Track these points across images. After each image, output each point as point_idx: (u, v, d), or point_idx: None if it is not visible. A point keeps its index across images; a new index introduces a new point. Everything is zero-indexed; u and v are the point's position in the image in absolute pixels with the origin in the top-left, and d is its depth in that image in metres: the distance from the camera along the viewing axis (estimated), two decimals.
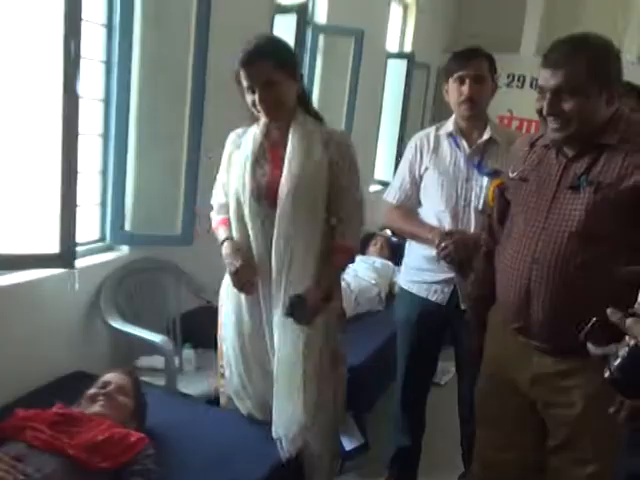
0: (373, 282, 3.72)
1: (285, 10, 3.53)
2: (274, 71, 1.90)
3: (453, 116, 2.37)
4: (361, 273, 3.84)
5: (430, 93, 6.25)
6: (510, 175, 1.87)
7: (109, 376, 2.04)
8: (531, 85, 6.58)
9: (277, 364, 2.04)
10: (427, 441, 2.65)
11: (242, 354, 2.11)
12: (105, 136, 2.59)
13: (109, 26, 2.50)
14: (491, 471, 1.96)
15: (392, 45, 5.40)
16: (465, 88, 2.23)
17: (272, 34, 2.05)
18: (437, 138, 2.36)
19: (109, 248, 2.67)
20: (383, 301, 3.76)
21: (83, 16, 2.13)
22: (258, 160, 2.00)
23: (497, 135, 2.29)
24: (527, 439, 1.84)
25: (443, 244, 2.18)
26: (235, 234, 2.03)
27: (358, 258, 4.12)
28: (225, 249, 2.03)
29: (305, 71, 4.01)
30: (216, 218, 2.14)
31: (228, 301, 2.12)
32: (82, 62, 2.16)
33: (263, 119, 1.99)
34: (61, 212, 2.18)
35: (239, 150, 2.04)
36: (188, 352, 2.67)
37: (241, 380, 2.15)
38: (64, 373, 2.36)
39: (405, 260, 2.52)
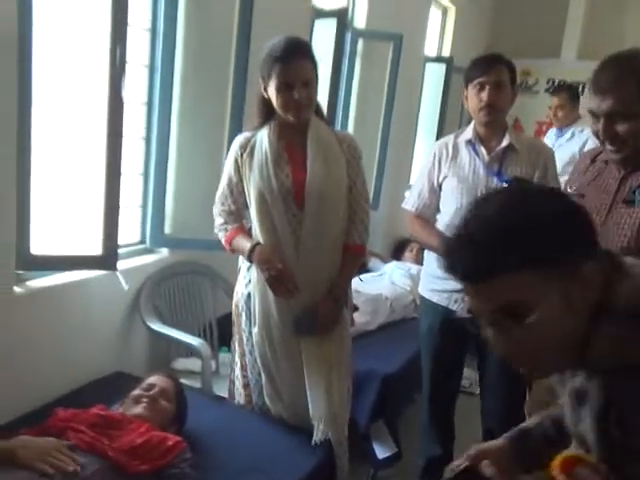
0: (408, 289, 3.70)
1: (325, 15, 3.54)
2: (311, 71, 1.95)
3: (472, 123, 2.36)
4: (396, 280, 3.83)
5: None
6: (568, 190, 1.85)
7: (154, 379, 2.06)
8: None
9: (307, 360, 2.08)
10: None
11: (274, 359, 2.12)
12: (147, 139, 2.62)
13: (153, 31, 2.53)
14: None
15: (430, 49, 5.37)
16: (484, 94, 2.22)
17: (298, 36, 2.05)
18: (456, 146, 2.35)
19: (149, 251, 2.70)
20: (418, 308, 3.73)
21: (128, 22, 2.17)
22: (277, 161, 2.01)
23: (516, 142, 2.27)
24: None
25: None
26: (261, 235, 2.02)
27: (393, 264, 4.12)
28: (259, 255, 2.00)
29: (343, 75, 4.01)
30: (227, 228, 2.11)
31: (252, 310, 2.12)
32: (126, 67, 2.20)
33: (275, 122, 2.01)
34: (104, 216, 2.21)
35: (252, 153, 2.03)
36: (224, 355, 2.69)
37: (273, 385, 2.16)
38: (104, 373, 2.40)
39: (425, 268, 2.51)
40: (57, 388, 2.22)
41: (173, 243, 2.70)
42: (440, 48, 5.54)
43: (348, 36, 3.92)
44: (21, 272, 2.11)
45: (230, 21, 2.63)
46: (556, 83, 6.44)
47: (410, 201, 2.45)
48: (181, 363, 2.61)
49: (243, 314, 2.17)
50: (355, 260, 2.15)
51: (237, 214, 2.14)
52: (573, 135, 4.40)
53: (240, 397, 2.26)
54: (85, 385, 2.32)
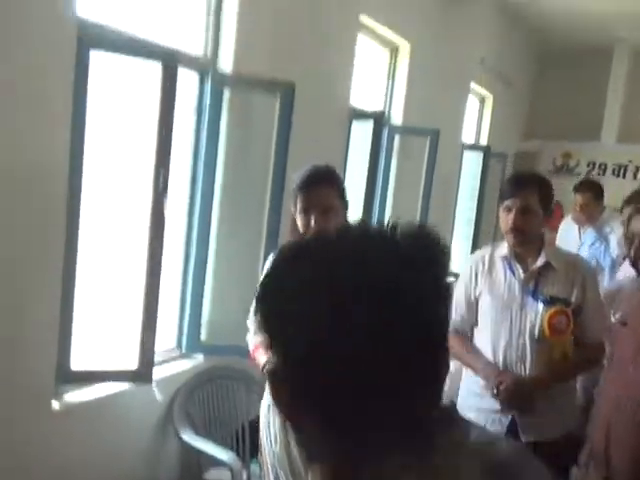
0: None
1: (363, 116, 3.64)
2: (332, 197, 1.98)
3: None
4: None
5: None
6: (612, 318, 1.83)
7: None
8: (613, 173, 6.44)
9: None
10: None
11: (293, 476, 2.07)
12: (186, 248, 2.69)
13: (196, 145, 2.63)
14: None
15: (468, 137, 5.43)
16: (510, 218, 2.19)
17: (328, 164, 2.09)
18: (491, 261, 2.31)
19: (184, 356, 2.73)
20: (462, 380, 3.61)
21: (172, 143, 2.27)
22: None
23: (554, 259, 2.21)
24: None
25: (496, 389, 2.14)
26: None
27: None
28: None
29: (380, 169, 4.09)
30: (253, 341, 2.15)
31: (270, 424, 2.09)
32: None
33: None
34: (141, 331, 2.26)
35: None
36: (255, 467, 2.65)
37: None
38: None
39: (462, 384, 2.44)
40: None
41: (209, 349, 2.72)
42: (478, 136, 5.61)
43: (385, 132, 4.01)
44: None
45: (270, 130, 2.72)
46: (597, 166, 6.42)
47: None
48: (213, 474, 2.59)
49: (264, 429, 2.15)
50: None
51: None
52: (597, 239, 4.24)
53: None
54: None
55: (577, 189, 4.44)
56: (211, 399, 2.74)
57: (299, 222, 2.02)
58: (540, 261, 2.22)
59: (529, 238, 2.24)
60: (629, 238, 1.66)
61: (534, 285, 2.22)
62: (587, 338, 2.19)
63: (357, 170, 3.69)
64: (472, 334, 2.39)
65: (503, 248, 2.32)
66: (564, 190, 6.46)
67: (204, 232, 2.64)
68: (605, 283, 3.60)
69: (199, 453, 2.57)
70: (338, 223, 2.05)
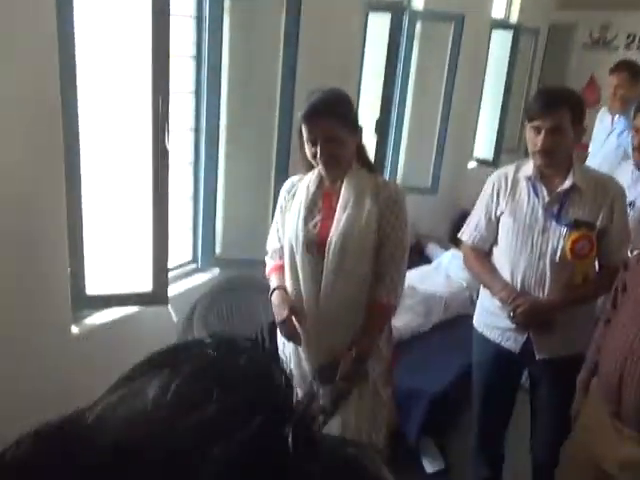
0: (465, 284, 3.64)
1: (379, 7, 3.39)
2: (338, 128, 1.90)
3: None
4: (453, 273, 3.77)
5: (538, 60, 5.85)
6: (629, 254, 1.77)
7: None
8: None
9: None
10: (510, 470, 2.64)
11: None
12: (196, 164, 2.64)
13: (198, 57, 2.50)
14: None
15: (497, 12, 5.06)
16: (539, 139, 2.06)
17: (336, 88, 1.96)
18: (515, 181, 2.21)
19: (200, 270, 2.77)
20: (475, 303, 3.68)
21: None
22: (311, 209, 2.01)
23: (582, 181, 2.11)
24: None
25: (513, 312, 2.13)
26: (288, 280, 2.05)
27: (450, 253, 4.04)
28: (274, 299, 2.07)
29: (401, 58, 3.87)
30: (270, 263, 2.17)
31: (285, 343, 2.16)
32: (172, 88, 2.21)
33: (317, 169, 1.99)
34: (153, 254, 2.28)
35: (294, 198, 2.05)
36: None
37: None
38: None
39: (479, 301, 2.44)
40: None
41: (223, 263, 2.75)
42: (508, 12, 5.21)
43: (405, 19, 3.75)
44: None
45: (277, 31, 2.57)
46: (637, 39, 5.97)
47: (467, 232, 2.37)
48: None
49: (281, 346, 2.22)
50: (379, 319, 2.05)
51: (280, 251, 2.16)
52: (627, 127, 3.81)
53: None
54: None
55: (612, 70, 4.15)
56: (229, 310, 2.82)
57: (307, 151, 1.96)
58: (567, 183, 2.11)
59: (558, 159, 2.13)
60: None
61: (558, 208, 2.13)
62: (610, 261, 2.14)
63: (375, 66, 3.50)
64: (491, 252, 2.36)
65: (528, 167, 2.20)
66: (600, 65, 6.13)
67: (212, 147, 2.57)
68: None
69: None
70: (347, 152, 1.97)
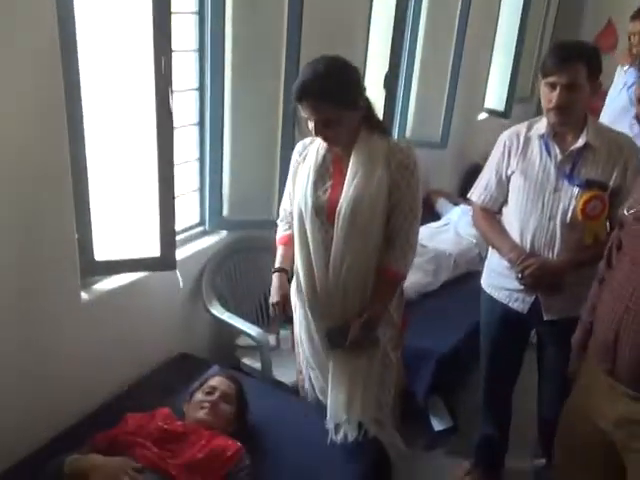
0: (474, 241, 3.61)
1: None
2: (330, 110, 1.83)
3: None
4: (462, 229, 3.74)
5: (553, 3, 5.65)
6: (624, 212, 1.73)
7: (215, 381, 2.18)
8: None
9: (335, 360, 2.10)
10: (516, 428, 2.68)
11: (315, 356, 2.17)
12: (201, 124, 2.60)
13: (201, 15, 2.42)
14: None
15: None
16: (554, 95, 2.00)
17: (332, 58, 1.86)
18: (527, 139, 2.17)
19: (208, 232, 2.75)
20: (484, 260, 3.66)
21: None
22: (322, 174, 1.98)
23: (596, 140, 2.06)
24: (606, 472, 1.81)
25: (521, 274, 2.13)
26: (297, 246, 2.04)
27: (460, 209, 4.00)
28: (274, 280, 2.13)
29: (411, 9, 3.74)
30: (280, 231, 2.19)
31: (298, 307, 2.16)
32: (175, 53, 2.14)
33: None
34: (160, 218, 2.26)
35: (305, 161, 2.02)
36: (285, 332, 2.78)
37: (318, 381, 2.24)
38: (170, 356, 2.56)
39: (487, 262, 2.43)
40: (128, 376, 2.40)
41: (231, 225, 2.74)
42: None
43: None
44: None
45: None
46: None
47: (476, 192, 2.34)
48: (244, 340, 2.73)
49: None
50: (388, 286, 2.05)
51: (291, 216, 2.14)
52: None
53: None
54: (153, 370, 2.49)
55: (634, 16, 3.94)
56: (238, 271, 2.82)
57: (309, 125, 1.90)
58: (580, 142, 2.07)
59: (573, 117, 2.07)
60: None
61: (571, 167, 2.09)
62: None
63: (384, 19, 3.39)
64: (500, 212, 2.32)
65: (541, 125, 2.15)
66: (619, 5, 5.90)
67: (218, 108, 2.52)
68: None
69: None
70: (345, 129, 1.90)
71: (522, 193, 2.17)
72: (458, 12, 3.99)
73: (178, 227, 2.46)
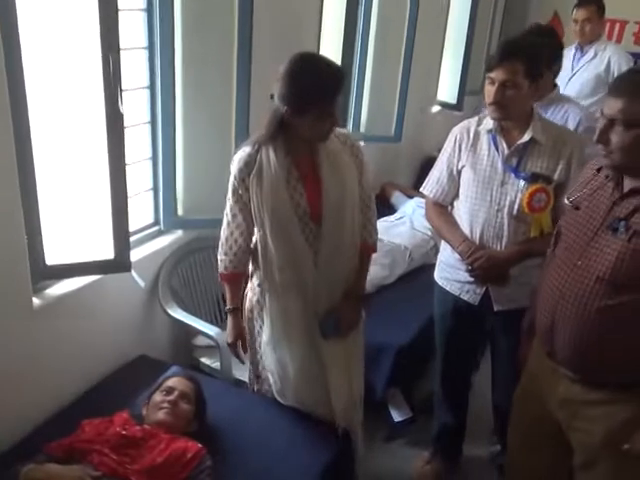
0: (429, 234, 3.66)
1: None
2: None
3: None
4: (417, 223, 3.78)
5: (500, 3, 5.77)
6: (566, 200, 1.79)
7: (173, 381, 2.16)
8: None
9: (330, 353, 2.14)
10: (473, 417, 2.74)
11: (291, 359, 2.18)
12: (153, 123, 2.56)
13: (149, 12, 2.38)
14: (520, 474, 2.07)
15: None
16: (492, 90, 2.07)
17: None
18: (476, 134, 2.24)
19: (164, 233, 2.72)
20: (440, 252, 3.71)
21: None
22: (288, 179, 1.97)
23: (541, 135, 2.13)
24: (556, 452, 1.89)
25: (470, 266, 2.19)
26: (277, 251, 2.01)
27: (414, 201, 4.05)
28: (229, 320, 2.21)
29: (361, 6, 3.76)
30: (227, 265, 2.12)
31: (268, 313, 2.15)
32: (124, 51, 2.12)
33: (281, 137, 1.94)
34: (113, 220, 2.22)
35: (260, 172, 1.96)
36: None
37: (283, 385, 2.25)
38: (128, 359, 2.52)
39: (439, 256, 2.50)
40: (85, 381, 2.35)
41: (187, 224, 2.71)
42: None
43: None
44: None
45: None
46: None
47: (428, 186, 2.38)
48: (202, 339, 2.71)
49: (255, 320, 2.22)
50: (368, 259, 2.20)
51: (246, 253, 2.11)
52: (596, 54, 4.10)
53: (253, 385, 2.40)
54: (112, 373, 2.46)
55: (579, 4, 4.15)
56: (194, 271, 2.80)
57: (311, 127, 1.90)
58: (525, 137, 2.13)
59: (512, 113, 2.12)
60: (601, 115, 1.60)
61: (517, 161, 2.15)
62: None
63: (336, 17, 3.40)
64: (452, 205, 2.37)
65: (489, 121, 2.21)
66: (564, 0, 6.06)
67: (169, 106, 2.48)
68: None
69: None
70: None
71: (471, 187, 2.22)
72: (408, 7, 4.02)
73: (132, 228, 2.43)
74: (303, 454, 2.14)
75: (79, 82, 2.03)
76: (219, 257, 2.14)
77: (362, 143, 3.42)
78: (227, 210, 2.08)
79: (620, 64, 4.04)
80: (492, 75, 2.07)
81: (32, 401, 2.15)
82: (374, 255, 2.89)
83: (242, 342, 2.23)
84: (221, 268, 2.14)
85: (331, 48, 3.43)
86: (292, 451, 2.15)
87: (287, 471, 2.08)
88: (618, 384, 1.67)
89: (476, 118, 2.29)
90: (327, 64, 1.87)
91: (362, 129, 4.12)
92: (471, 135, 2.24)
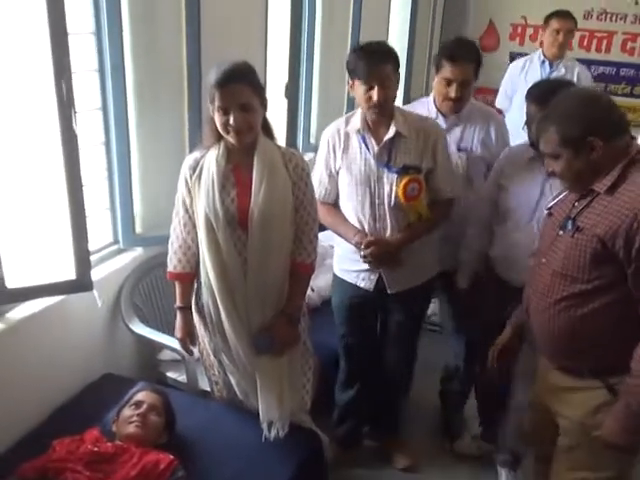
0: None
1: None
2: (251, 95, 1.96)
3: (360, 111, 2.36)
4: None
5: (439, 7, 5.98)
6: (544, 209, 1.99)
7: (142, 395, 2.20)
8: None
9: (259, 364, 2.20)
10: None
11: (232, 365, 2.25)
12: (107, 143, 2.58)
13: (98, 35, 2.41)
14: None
15: None
16: (374, 94, 2.21)
17: (243, 60, 2.02)
18: (346, 135, 2.37)
19: (123, 251, 2.74)
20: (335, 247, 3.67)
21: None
22: (224, 184, 2.04)
23: (404, 128, 2.30)
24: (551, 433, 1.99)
25: (364, 253, 2.35)
26: (207, 256, 2.07)
27: None
28: (178, 318, 2.24)
29: (305, 20, 3.85)
30: (175, 264, 2.19)
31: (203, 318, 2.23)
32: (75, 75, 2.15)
33: (223, 143, 2.03)
34: (73, 239, 2.25)
35: (200, 175, 2.06)
36: None
37: (239, 384, 2.32)
38: (95, 378, 2.53)
39: (335, 249, 2.65)
40: (51, 403, 2.36)
41: (145, 241, 2.74)
42: None
43: None
44: None
45: (179, 8, 2.52)
46: None
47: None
48: (167, 354, 2.74)
49: (199, 323, 2.28)
50: (306, 280, 2.24)
51: (189, 252, 2.17)
52: (566, 70, 4.09)
53: (213, 393, 2.46)
54: (79, 392, 2.46)
55: (560, 15, 4.09)
56: (155, 286, 2.83)
57: (217, 121, 1.98)
58: (391, 132, 2.29)
59: (387, 111, 2.29)
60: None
61: (387, 156, 2.31)
62: (439, 197, 2.41)
63: (280, 31, 3.49)
64: (337, 204, 2.50)
65: (356, 121, 2.36)
66: (498, 7, 6.31)
67: (122, 126, 2.51)
68: None
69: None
70: (258, 121, 2.01)
71: (351, 186, 2.38)
72: (350, 18, 4.15)
73: (91, 247, 2.44)
74: (274, 458, 2.20)
75: (33, 106, 2.07)
76: (168, 256, 2.21)
77: (312, 154, 3.50)
78: (174, 211, 2.17)
79: (587, 79, 4.13)
80: (369, 79, 2.21)
81: (0, 424, 2.15)
82: (329, 261, 3.00)
83: (191, 338, 2.27)
84: (170, 267, 2.21)
85: (278, 61, 3.51)
86: (263, 456, 2.21)
87: (260, 476, 2.14)
88: (589, 371, 1.79)
89: (343, 119, 2.44)
90: (234, 62, 1.96)
91: (312, 140, 4.21)
92: (342, 137, 2.38)
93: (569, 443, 1.90)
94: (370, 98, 2.22)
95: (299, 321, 2.23)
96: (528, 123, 2.28)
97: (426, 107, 2.65)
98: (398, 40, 5.13)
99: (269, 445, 2.23)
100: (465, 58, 2.42)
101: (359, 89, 2.25)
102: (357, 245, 2.36)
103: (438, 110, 2.60)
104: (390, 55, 2.26)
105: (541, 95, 2.20)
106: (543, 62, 4.18)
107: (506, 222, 2.39)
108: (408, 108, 2.67)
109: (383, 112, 2.27)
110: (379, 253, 2.33)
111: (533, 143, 2.17)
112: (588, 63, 4.22)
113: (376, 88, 2.20)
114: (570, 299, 1.74)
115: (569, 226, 1.73)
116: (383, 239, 2.35)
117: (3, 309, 2.20)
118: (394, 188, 2.29)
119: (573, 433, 1.87)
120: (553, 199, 1.95)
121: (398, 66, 2.28)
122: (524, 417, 2.22)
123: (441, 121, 2.57)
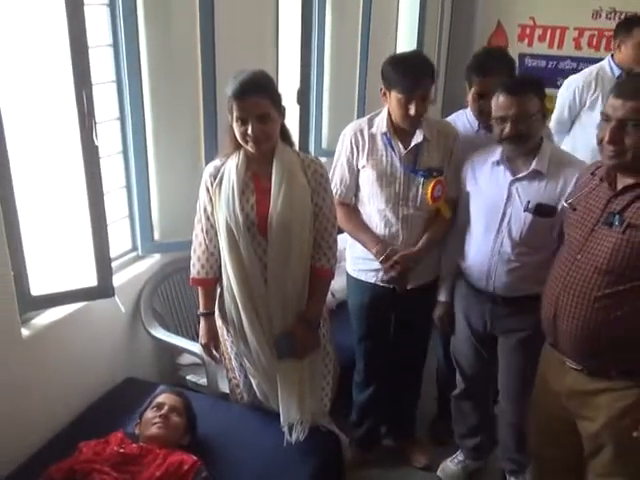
0: None
1: None
2: (269, 106, 2.00)
3: (386, 113, 2.37)
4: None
5: (447, 12, 6.00)
6: (564, 203, 1.95)
7: (162, 397, 2.25)
8: None
9: (280, 369, 2.23)
10: None
11: (255, 369, 2.29)
12: (125, 153, 2.64)
13: (115, 46, 2.47)
14: (542, 466, 2.17)
15: None
16: (412, 107, 2.23)
17: (260, 69, 2.06)
18: (372, 137, 2.39)
19: (142, 258, 2.80)
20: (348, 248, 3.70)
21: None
22: (243, 191, 2.08)
23: (428, 131, 2.34)
24: (572, 444, 1.95)
25: (386, 267, 2.38)
26: (229, 262, 2.11)
27: None
28: (202, 324, 2.28)
29: (315, 26, 3.89)
30: (199, 271, 2.23)
31: (226, 323, 2.27)
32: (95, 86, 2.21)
33: (243, 151, 2.08)
34: (94, 247, 2.31)
35: (221, 182, 2.10)
36: None
37: (259, 387, 2.35)
38: (116, 382, 2.59)
39: (349, 251, 2.64)
40: (76, 407, 2.41)
41: (163, 248, 2.79)
42: None
43: None
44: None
45: (192, 19, 2.58)
46: None
47: (333, 188, 2.47)
48: (187, 358, 2.79)
49: (221, 328, 2.32)
50: (326, 285, 2.27)
51: (214, 257, 2.21)
52: None
53: (233, 395, 2.50)
54: (101, 396, 2.52)
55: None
56: (174, 291, 2.88)
57: (236, 130, 2.03)
58: (418, 137, 2.33)
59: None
60: (606, 119, 1.69)
61: (413, 160, 2.35)
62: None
63: (291, 39, 3.54)
64: (353, 203, 2.52)
65: (382, 124, 2.38)
66: (506, 8, 6.32)
67: (139, 134, 2.57)
68: None
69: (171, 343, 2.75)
70: (276, 130, 2.05)
71: (376, 186, 2.39)
72: (360, 25, 4.19)
73: (111, 255, 2.50)
74: (294, 460, 2.24)
75: (55, 117, 2.13)
76: (191, 262, 2.25)
77: (324, 159, 3.54)
78: (196, 218, 2.21)
79: None
80: (409, 95, 2.22)
81: (27, 428, 2.21)
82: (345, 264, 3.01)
83: (215, 344, 2.30)
84: (193, 273, 2.25)
85: (289, 68, 3.56)
86: (283, 458, 2.25)
87: (280, 477, 2.18)
88: (619, 372, 1.76)
89: (366, 119, 2.45)
90: (252, 72, 2.02)
91: (324, 145, 4.26)
92: (366, 138, 2.40)
93: (593, 447, 1.87)
94: (407, 111, 2.24)
95: (319, 326, 2.27)
96: None
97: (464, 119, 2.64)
98: (406, 43, 5.15)
99: (289, 447, 2.27)
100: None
101: (395, 100, 2.26)
102: (377, 255, 2.39)
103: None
104: (429, 69, 2.28)
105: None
106: (619, 76, 3.56)
107: (475, 228, 2.34)
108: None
109: (418, 124, 2.31)
110: (404, 269, 2.37)
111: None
112: (596, 62, 4.17)
113: (414, 102, 2.22)
114: (611, 297, 1.70)
115: (616, 222, 1.69)
116: (404, 254, 2.37)
117: (29, 316, 2.27)
118: (421, 190, 2.34)
119: (596, 436, 1.84)
120: (570, 194, 1.94)
121: (434, 79, 2.30)
122: (524, 425, 2.22)
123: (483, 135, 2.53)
